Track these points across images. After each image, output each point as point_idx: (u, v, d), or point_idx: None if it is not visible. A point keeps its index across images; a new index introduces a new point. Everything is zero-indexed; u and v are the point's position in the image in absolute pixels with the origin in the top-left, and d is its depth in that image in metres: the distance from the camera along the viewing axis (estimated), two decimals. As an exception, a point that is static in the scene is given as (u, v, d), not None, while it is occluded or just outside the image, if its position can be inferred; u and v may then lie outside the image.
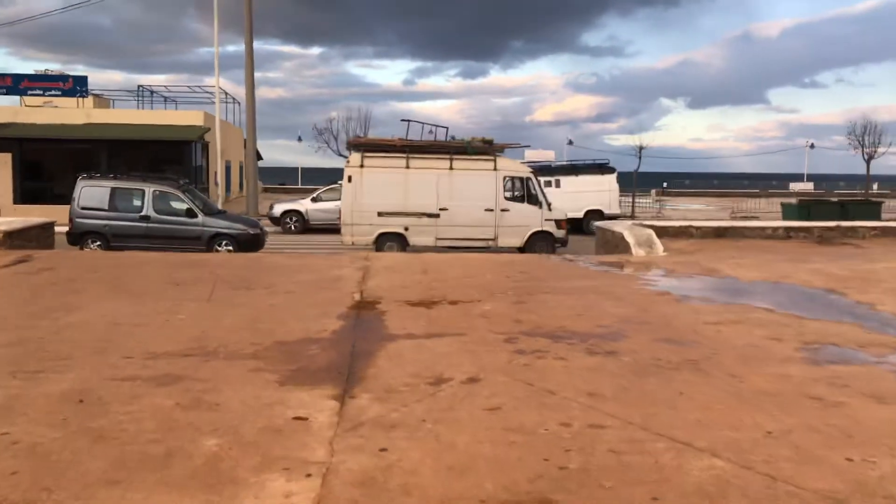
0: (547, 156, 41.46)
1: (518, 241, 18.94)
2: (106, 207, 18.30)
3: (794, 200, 31.07)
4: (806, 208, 28.34)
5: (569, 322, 7.59)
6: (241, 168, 42.75)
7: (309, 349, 6.39)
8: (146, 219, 18.20)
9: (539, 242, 19.02)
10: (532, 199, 19.11)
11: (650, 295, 9.31)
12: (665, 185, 55.00)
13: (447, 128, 20.19)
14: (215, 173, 33.60)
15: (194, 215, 18.28)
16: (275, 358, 6.10)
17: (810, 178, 74.06)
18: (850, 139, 30.54)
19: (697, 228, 15.81)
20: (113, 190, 18.45)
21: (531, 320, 7.66)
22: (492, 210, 18.73)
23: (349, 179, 18.60)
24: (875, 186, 69.25)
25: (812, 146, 71.91)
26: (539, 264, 12.38)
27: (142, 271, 10.87)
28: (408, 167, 18.52)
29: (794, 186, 68.39)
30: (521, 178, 19.29)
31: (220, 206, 29.74)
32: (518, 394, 5.19)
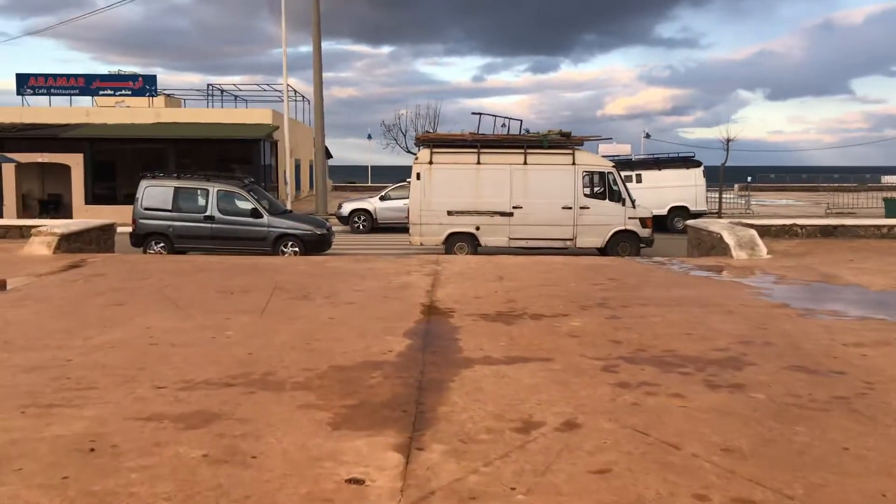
0: (623, 149, 39.76)
1: (599, 242, 17.64)
2: (169, 208, 17.78)
3: (896, 195, 28.75)
4: (911, 203, 26.16)
5: (676, 343, 6.40)
6: (311, 167, 42.44)
7: (370, 377, 5.40)
8: (210, 219, 17.62)
9: (622, 243, 17.66)
10: (614, 196, 17.77)
11: (765, 307, 8.01)
12: (749, 179, 52.30)
13: (521, 120, 19.01)
14: (284, 172, 33.23)
15: (259, 215, 17.61)
16: (329, 388, 5.13)
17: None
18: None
19: (802, 227, 14.27)
20: (176, 190, 17.92)
21: (631, 340, 6.50)
22: (570, 208, 17.48)
23: (417, 177, 17.63)
24: None
25: None
26: (629, 269, 11.15)
27: (195, 279, 10.12)
28: (479, 163, 17.44)
29: (888, 179, 64.47)
30: (601, 173, 17.97)
31: (289, 205, 29.38)
32: (630, 447, 4.07)
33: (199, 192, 17.99)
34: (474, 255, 16.85)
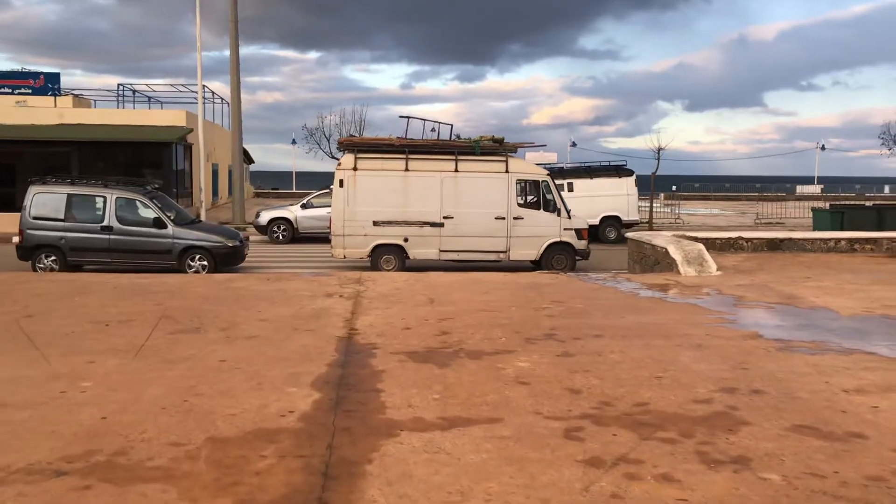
0: (549, 158, 39.01)
1: (533, 254, 16.56)
2: (62, 217, 15.87)
3: (825, 205, 28.75)
4: (839, 214, 26.04)
5: (647, 392, 5.23)
6: (230, 172, 40.35)
7: (259, 456, 4.02)
8: (108, 230, 15.79)
9: (557, 255, 16.63)
10: (549, 206, 16.73)
11: (736, 339, 6.94)
12: (674, 188, 52.61)
13: (451, 125, 17.79)
14: (200, 178, 31.21)
15: (163, 226, 15.86)
16: (199, 478, 3.73)
17: (818, 180, 71.79)
18: (885, 138, 28.25)
19: (748, 240, 13.47)
20: (69, 197, 16.01)
21: (592, 389, 5.30)
22: (503, 218, 16.35)
23: (340, 184, 16.21)
24: (886, 189, 66.96)
25: (823, 148, 69.51)
26: (573, 290, 10.01)
27: (69, 304, 8.50)
28: (407, 170, 16.14)
29: (803, 189, 66.06)
30: (535, 182, 16.91)
31: (204, 214, 27.42)
32: (624, 581, 2.82)
33: (95, 199, 16.15)
34: (402, 270, 15.56)
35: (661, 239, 12.38)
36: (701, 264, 11.34)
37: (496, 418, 4.64)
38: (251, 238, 21.84)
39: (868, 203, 32.90)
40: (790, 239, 13.52)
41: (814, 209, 27.54)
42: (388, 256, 16.20)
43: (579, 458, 4.02)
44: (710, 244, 13.08)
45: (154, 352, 6.31)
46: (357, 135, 37.25)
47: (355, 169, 16.13)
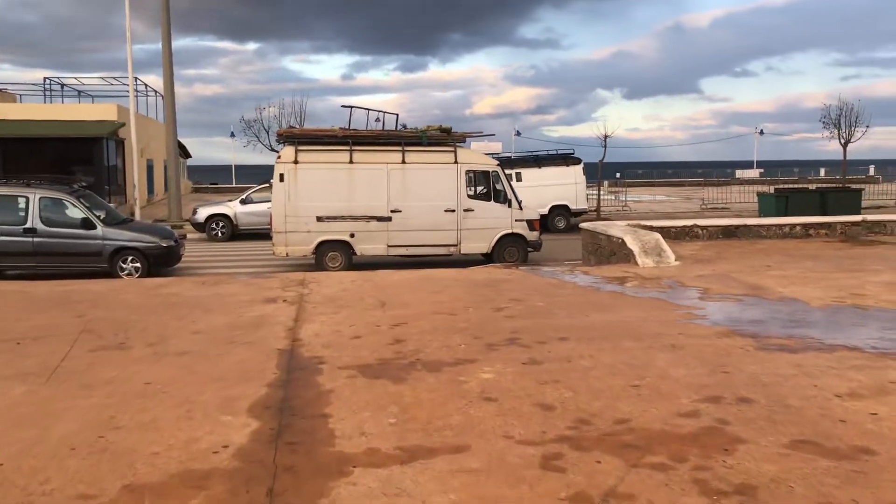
0: (494, 148, 38.54)
1: (485, 247, 16.04)
2: (-20, 220, 14.76)
3: (768, 189, 28.93)
4: (784, 199, 26.20)
5: (625, 405, 4.72)
6: (165, 167, 38.87)
7: (186, 507, 3.37)
8: (32, 232, 14.70)
9: (509, 247, 16.13)
10: (499, 197, 16.21)
11: (710, 337, 6.50)
12: (618, 175, 52.70)
13: (397, 115, 17.10)
14: (133, 173, 29.87)
15: (92, 226, 14.84)
16: (113, 541, 3.07)
17: (756, 164, 73.05)
18: (826, 122, 28.67)
19: (703, 228, 13.17)
20: (-13, 198, 14.89)
21: (565, 403, 4.76)
22: (453, 210, 15.77)
23: (280, 178, 15.40)
24: (822, 172, 68.34)
25: (762, 132, 70.75)
26: (531, 285, 9.50)
27: (-23, 319, 7.63)
28: (352, 162, 15.43)
29: (743, 174, 67.07)
30: (485, 172, 16.37)
31: (138, 211, 26.20)
32: None
33: (17, 200, 15.00)
34: (349, 267, 14.88)
35: (616, 229, 11.97)
36: (659, 254, 10.96)
37: (462, 446, 4.07)
38: (188, 236, 20.85)
39: (811, 186, 33.33)
40: (745, 226, 13.27)
41: (759, 194, 27.66)
42: (334, 253, 15.48)
43: (562, 494, 3.47)
44: (664, 233, 12.73)
45: (70, 375, 5.56)
46: (298, 126, 36.11)
47: (296, 162, 15.36)
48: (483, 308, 7.96)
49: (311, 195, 15.31)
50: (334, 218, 15.39)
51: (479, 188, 16.62)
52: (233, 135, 55.68)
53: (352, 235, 15.44)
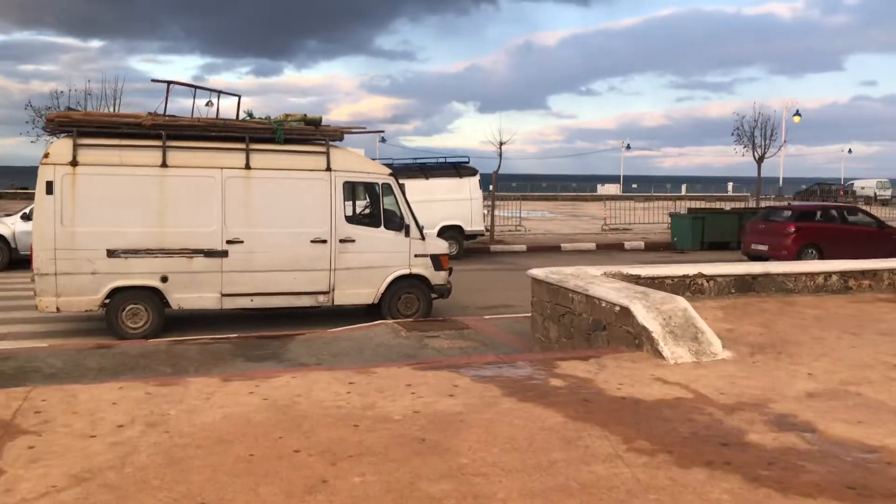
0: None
1: (371, 294, 10.96)
2: None
3: (683, 210, 25.61)
4: (700, 220, 22.93)
5: None
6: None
7: None
8: None
9: (406, 294, 11.18)
10: (392, 221, 11.21)
11: None
12: (491, 188, 48.96)
13: (239, 95, 11.63)
14: None
15: None
16: None
17: (611, 179, 72.31)
18: (739, 136, 25.52)
19: (710, 278, 8.75)
20: None
21: None
22: (324, 241, 10.60)
23: (48, 189, 9.67)
24: (730, 188, 67.13)
25: (628, 147, 69.63)
26: (515, 444, 4.49)
27: None
28: (165, 165, 9.92)
29: (605, 189, 65.56)
30: (372, 185, 11.35)
31: None
32: None
33: None
34: (159, 329, 9.39)
35: (604, 287, 7.21)
36: (695, 338, 6.34)
37: None
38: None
39: (726, 207, 30.50)
40: (767, 274, 8.95)
41: (672, 215, 24.22)
42: (136, 307, 9.90)
43: None
44: (658, 285, 8.18)
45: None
46: (82, 110, 28.42)
47: (74, 163, 9.68)
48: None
49: (97, 216, 9.67)
50: (136, 252, 9.81)
51: (364, 208, 11.56)
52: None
53: (164, 279, 9.91)
